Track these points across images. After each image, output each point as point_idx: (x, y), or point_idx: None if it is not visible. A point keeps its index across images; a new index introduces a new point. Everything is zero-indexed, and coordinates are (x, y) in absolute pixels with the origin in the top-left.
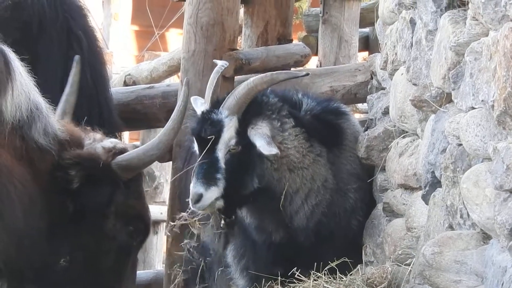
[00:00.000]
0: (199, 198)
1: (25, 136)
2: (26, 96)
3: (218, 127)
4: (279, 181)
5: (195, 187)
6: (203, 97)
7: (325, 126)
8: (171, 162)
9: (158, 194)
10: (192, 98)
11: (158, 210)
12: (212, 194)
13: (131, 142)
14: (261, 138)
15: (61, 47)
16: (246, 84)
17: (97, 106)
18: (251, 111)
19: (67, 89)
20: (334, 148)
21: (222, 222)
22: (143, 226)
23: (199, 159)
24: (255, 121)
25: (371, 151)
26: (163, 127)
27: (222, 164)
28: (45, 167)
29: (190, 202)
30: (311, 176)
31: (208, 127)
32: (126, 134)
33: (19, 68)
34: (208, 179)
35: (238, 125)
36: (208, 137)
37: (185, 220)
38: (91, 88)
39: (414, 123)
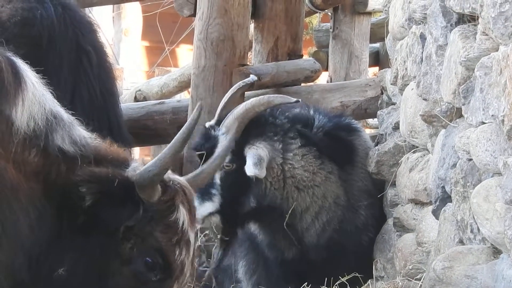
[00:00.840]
0: None
1: (44, 146)
2: (40, 106)
3: (212, 143)
4: (285, 200)
5: None
6: (213, 113)
7: (336, 143)
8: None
9: None
10: None
11: None
12: (206, 208)
13: (142, 157)
14: (251, 158)
15: (71, 63)
16: (244, 104)
17: (107, 122)
18: (252, 132)
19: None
20: (345, 165)
21: (218, 237)
22: (162, 263)
23: None
24: (253, 141)
25: (382, 166)
26: None
27: (217, 180)
28: (63, 181)
29: None
30: (322, 193)
31: (203, 143)
32: (136, 150)
33: (31, 78)
34: (203, 194)
35: (234, 144)
36: (201, 152)
37: None
38: (100, 104)
39: (424, 138)
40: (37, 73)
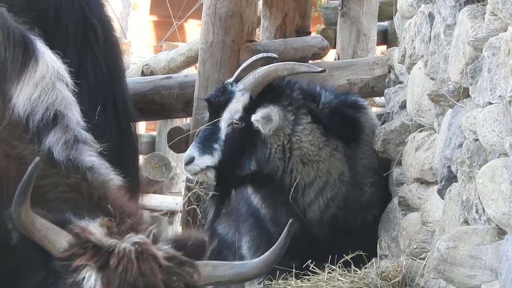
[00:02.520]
0: (190, 160)
1: (30, 139)
2: (49, 97)
3: (227, 97)
4: (287, 174)
5: (190, 149)
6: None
7: (342, 120)
8: None
9: (174, 185)
10: None
11: (173, 201)
12: (204, 160)
13: (148, 132)
14: (261, 112)
15: (77, 37)
16: (268, 67)
17: (112, 97)
18: (268, 96)
19: None
20: (351, 142)
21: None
22: None
23: (205, 125)
24: (268, 104)
25: (388, 145)
26: (180, 117)
27: (222, 135)
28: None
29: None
30: (327, 169)
31: (219, 95)
32: (142, 124)
33: (47, 62)
34: (205, 146)
35: (248, 102)
36: (215, 101)
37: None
38: (106, 79)
39: (431, 117)
40: None
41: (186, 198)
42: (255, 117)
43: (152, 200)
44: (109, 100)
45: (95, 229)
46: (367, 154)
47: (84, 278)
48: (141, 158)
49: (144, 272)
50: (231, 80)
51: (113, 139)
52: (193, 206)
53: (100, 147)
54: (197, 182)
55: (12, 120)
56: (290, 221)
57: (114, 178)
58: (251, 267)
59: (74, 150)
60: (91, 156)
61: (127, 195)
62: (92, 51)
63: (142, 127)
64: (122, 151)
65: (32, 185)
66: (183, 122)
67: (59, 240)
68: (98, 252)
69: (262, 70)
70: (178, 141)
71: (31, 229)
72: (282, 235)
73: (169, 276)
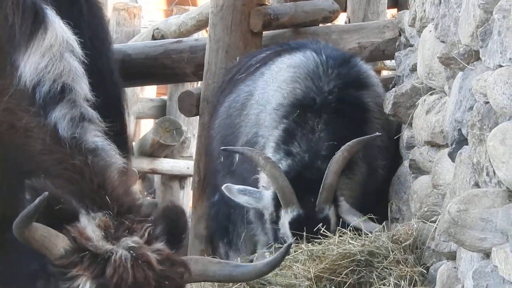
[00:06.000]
0: None
1: (35, 112)
2: (56, 68)
3: None
4: None
5: None
6: (231, 52)
7: (347, 111)
8: (198, 117)
9: (185, 149)
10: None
11: (185, 165)
12: None
13: (159, 96)
14: None
15: (61, 11)
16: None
17: (96, 68)
18: None
19: None
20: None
21: None
22: None
23: None
24: None
25: (398, 108)
26: (190, 81)
27: None
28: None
29: None
30: None
31: None
32: (153, 88)
33: (56, 31)
34: None
35: None
36: None
37: None
38: (91, 51)
39: (442, 80)
40: None
41: None
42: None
43: (163, 164)
44: (95, 69)
45: (92, 233)
46: (376, 128)
47: (78, 286)
48: (152, 122)
49: (138, 281)
50: None
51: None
52: None
53: (106, 127)
54: None
55: (18, 90)
56: (288, 242)
57: (115, 162)
58: (243, 272)
59: (79, 128)
60: (95, 136)
61: (126, 182)
62: (77, 26)
63: (153, 91)
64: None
65: (36, 215)
66: (194, 86)
67: (56, 246)
68: (94, 261)
69: None
70: (189, 105)
71: (31, 241)
72: (279, 252)
73: (161, 280)
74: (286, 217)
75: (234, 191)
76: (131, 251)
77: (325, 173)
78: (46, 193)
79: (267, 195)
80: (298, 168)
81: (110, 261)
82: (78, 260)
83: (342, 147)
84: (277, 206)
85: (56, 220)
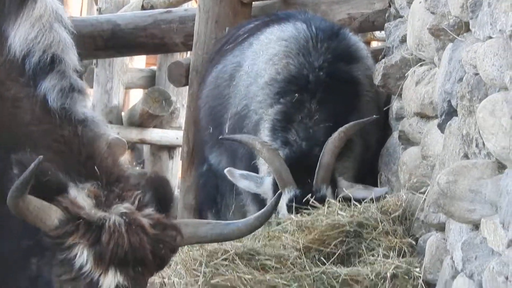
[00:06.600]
0: None
1: (25, 82)
2: (46, 38)
3: None
4: None
5: None
6: (221, 22)
7: (340, 93)
8: (187, 87)
9: (174, 119)
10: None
11: (174, 135)
12: None
13: (148, 67)
14: None
15: None
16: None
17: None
18: None
19: None
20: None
21: None
22: None
23: None
24: None
25: (388, 79)
26: (180, 51)
27: None
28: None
29: None
30: None
31: None
32: (143, 58)
33: (46, 1)
34: None
35: None
36: None
37: None
38: None
39: (431, 51)
40: None
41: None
42: None
43: (152, 134)
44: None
45: (84, 201)
46: (367, 99)
47: (76, 255)
48: (142, 93)
49: (134, 245)
50: None
51: None
52: None
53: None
54: None
55: (8, 60)
56: (278, 192)
57: (104, 133)
58: (234, 229)
59: (69, 99)
60: (84, 107)
61: (114, 153)
62: None
63: (142, 62)
64: None
65: (31, 182)
66: (184, 56)
67: (50, 217)
68: (89, 229)
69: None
70: (178, 75)
71: (25, 213)
72: (268, 204)
73: (156, 244)
74: (283, 198)
75: (236, 175)
76: (124, 217)
77: (321, 152)
78: (41, 156)
79: (268, 181)
80: (296, 156)
81: (104, 228)
82: (74, 228)
83: (339, 129)
84: (277, 191)
85: (46, 193)
